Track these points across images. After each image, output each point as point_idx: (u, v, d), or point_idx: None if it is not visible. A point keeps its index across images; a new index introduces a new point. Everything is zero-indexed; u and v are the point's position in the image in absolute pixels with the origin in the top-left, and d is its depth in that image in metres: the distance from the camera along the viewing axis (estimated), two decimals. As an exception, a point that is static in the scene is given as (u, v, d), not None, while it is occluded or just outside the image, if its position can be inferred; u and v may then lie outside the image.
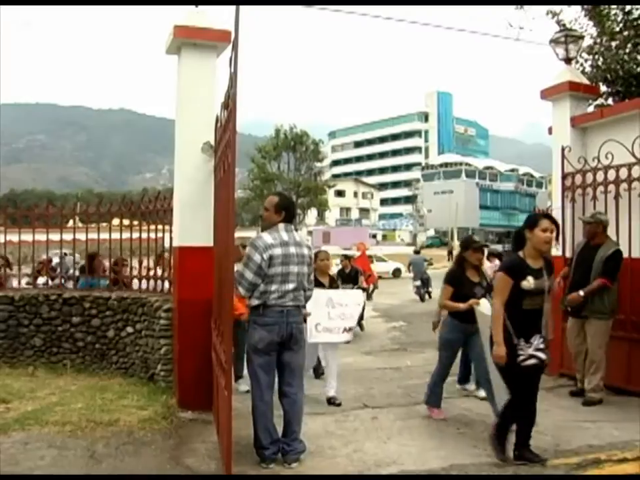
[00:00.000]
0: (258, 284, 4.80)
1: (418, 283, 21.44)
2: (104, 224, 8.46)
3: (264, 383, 4.85)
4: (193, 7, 6.39)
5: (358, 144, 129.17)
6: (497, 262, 13.18)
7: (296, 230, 5.09)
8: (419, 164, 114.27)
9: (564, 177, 8.06)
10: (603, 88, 10.62)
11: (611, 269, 6.64)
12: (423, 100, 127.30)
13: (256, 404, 4.86)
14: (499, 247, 29.34)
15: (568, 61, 8.45)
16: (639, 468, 4.71)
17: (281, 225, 4.94)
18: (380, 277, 35.28)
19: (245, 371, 5.67)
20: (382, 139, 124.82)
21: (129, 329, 7.62)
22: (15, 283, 8.93)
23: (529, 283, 4.67)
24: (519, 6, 11.50)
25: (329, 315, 6.66)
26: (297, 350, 4.91)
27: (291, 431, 4.82)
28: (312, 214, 68.01)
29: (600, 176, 7.52)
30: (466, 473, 4.68)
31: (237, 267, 4.84)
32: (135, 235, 8.03)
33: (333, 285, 7.31)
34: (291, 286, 4.84)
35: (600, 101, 10.54)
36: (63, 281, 8.77)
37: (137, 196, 10.41)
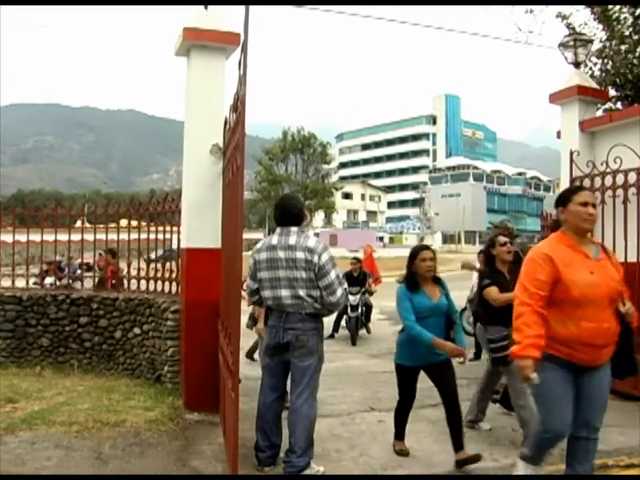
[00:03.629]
0: (252, 288, 4.96)
1: None
2: (112, 225, 8.49)
3: (265, 385, 4.91)
4: (203, 9, 6.40)
5: (365, 146, 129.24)
6: None
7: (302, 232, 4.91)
8: (427, 167, 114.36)
9: (572, 181, 8.03)
10: (612, 92, 10.57)
11: None
12: (431, 103, 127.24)
13: (258, 404, 4.91)
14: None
15: (577, 64, 8.43)
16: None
17: (278, 229, 4.92)
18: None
19: None
20: (390, 142, 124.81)
21: (136, 330, 7.64)
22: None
23: None
24: (528, 9, 11.46)
25: None
26: (298, 357, 4.70)
27: (290, 441, 4.69)
28: (319, 216, 68.05)
29: (608, 180, 7.49)
30: (472, 478, 4.67)
31: None
32: (143, 236, 8.07)
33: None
34: (284, 292, 4.71)
35: (609, 105, 10.50)
36: (70, 281, 8.82)
37: (145, 197, 10.45)
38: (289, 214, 4.89)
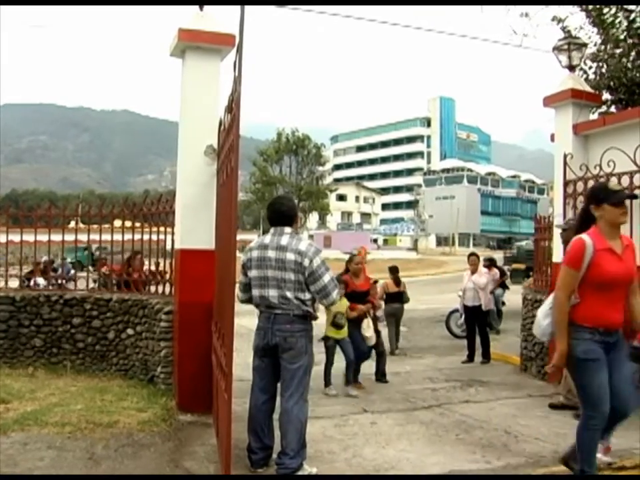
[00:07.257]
0: (243, 283, 4.93)
1: None
2: (106, 225, 8.47)
3: (256, 386, 4.92)
4: (198, 10, 6.40)
5: (360, 148, 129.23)
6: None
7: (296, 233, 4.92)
8: (421, 169, 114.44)
9: (566, 184, 8.06)
10: (606, 96, 10.61)
11: None
12: (426, 105, 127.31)
13: (249, 406, 4.91)
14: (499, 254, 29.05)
15: (571, 68, 8.45)
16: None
17: (272, 229, 4.92)
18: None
19: None
20: (384, 144, 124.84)
21: (130, 331, 7.62)
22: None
23: None
24: (523, 13, 11.50)
25: None
26: (287, 359, 4.70)
27: (281, 443, 4.68)
28: (313, 218, 68.05)
29: (602, 183, 7.52)
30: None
31: None
32: (137, 237, 8.06)
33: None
34: (271, 292, 4.71)
35: (603, 108, 10.54)
36: (63, 281, 8.81)
37: (139, 197, 10.42)
38: (278, 213, 4.90)
